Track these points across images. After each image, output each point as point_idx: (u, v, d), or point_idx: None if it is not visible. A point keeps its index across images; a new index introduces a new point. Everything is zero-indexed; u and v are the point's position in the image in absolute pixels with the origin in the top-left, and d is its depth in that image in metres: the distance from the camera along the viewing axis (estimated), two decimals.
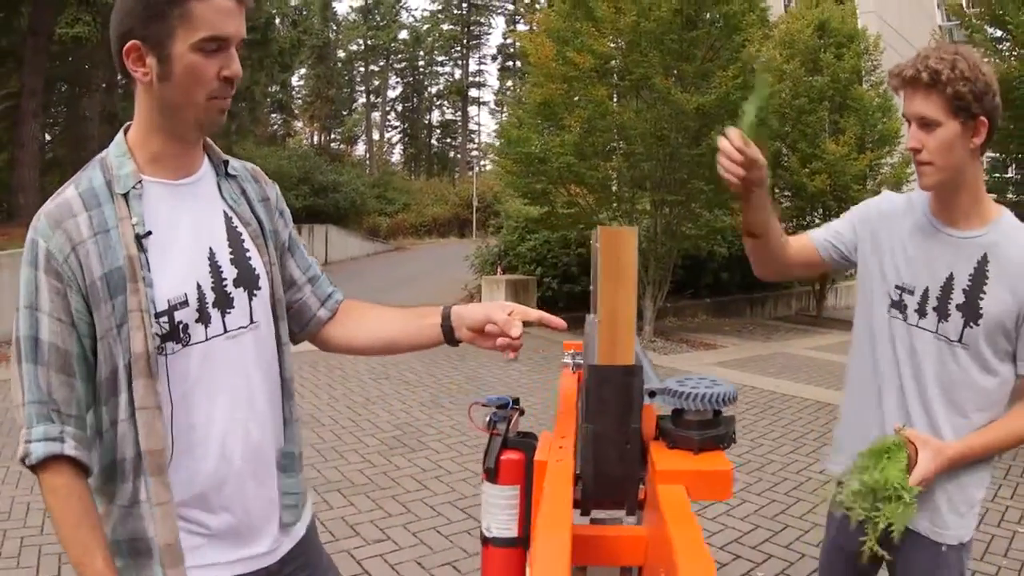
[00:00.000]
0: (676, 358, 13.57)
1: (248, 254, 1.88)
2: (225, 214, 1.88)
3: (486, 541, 1.69)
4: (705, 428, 1.59)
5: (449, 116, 75.83)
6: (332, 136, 64.19)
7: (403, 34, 70.08)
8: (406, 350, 2.10)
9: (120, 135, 1.80)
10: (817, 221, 22.48)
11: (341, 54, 64.22)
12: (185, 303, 1.73)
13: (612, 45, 14.58)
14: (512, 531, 1.65)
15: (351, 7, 64.76)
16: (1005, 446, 2.41)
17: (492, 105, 76.69)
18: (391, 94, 71.88)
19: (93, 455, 1.70)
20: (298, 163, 34.29)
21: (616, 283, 1.53)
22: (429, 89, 74.07)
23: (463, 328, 1.96)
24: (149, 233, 1.70)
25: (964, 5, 13.23)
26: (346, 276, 23.92)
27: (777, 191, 20.73)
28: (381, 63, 69.03)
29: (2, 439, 7.41)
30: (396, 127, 74.06)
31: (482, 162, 67.39)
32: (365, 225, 38.08)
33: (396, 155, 73.24)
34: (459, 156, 74.43)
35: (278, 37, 31.03)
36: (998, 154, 12.72)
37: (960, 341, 2.35)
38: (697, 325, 17.82)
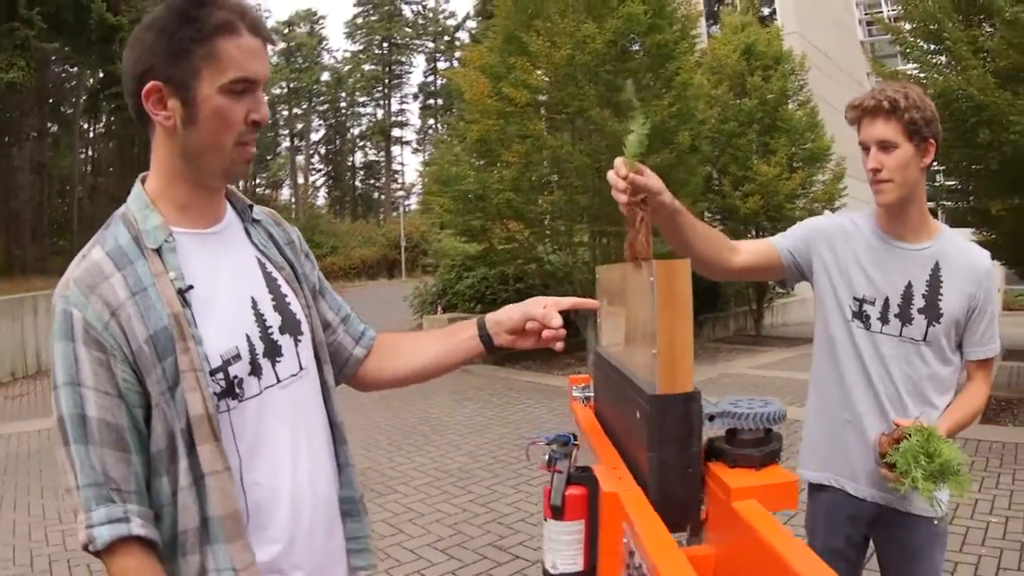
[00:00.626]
0: None
1: (287, 299, 1.81)
2: (258, 260, 1.81)
3: None
4: (762, 445, 1.62)
5: (372, 157, 75.58)
6: (257, 181, 63.68)
7: (325, 76, 69.89)
8: (445, 371, 2.09)
9: (137, 186, 1.70)
10: None
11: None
12: (238, 356, 1.65)
13: (546, 79, 14.69)
14: (578, 565, 1.65)
15: (273, 50, 64.85)
16: (968, 423, 2.73)
17: (415, 144, 76.67)
18: (314, 137, 71.56)
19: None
20: None
21: (673, 314, 1.55)
22: (352, 130, 73.91)
23: (502, 334, 1.98)
24: (191, 287, 1.61)
25: (887, 19, 13.59)
26: None
27: (709, 215, 20.95)
28: (304, 106, 68.69)
29: None
30: (320, 170, 73.68)
31: (407, 202, 67.41)
32: None
33: (321, 198, 72.80)
34: (383, 196, 74.13)
35: None
36: (936, 163, 13.04)
37: (925, 340, 2.69)
38: None
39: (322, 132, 72.08)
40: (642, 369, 1.69)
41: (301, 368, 1.79)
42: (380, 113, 72.81)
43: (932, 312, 2.67)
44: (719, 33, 24.49)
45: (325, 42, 70.42)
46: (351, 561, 1.89)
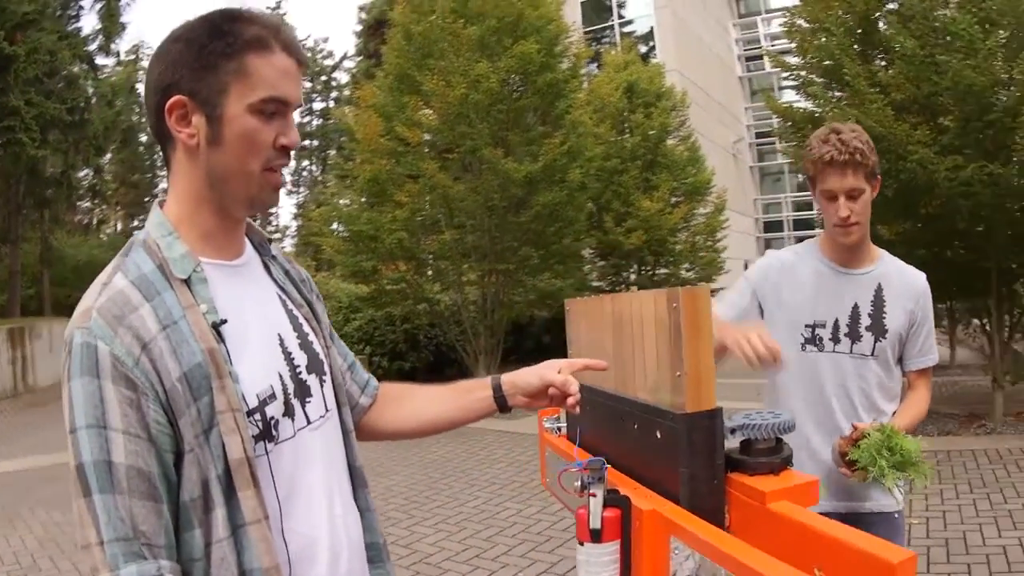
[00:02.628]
0: (523, 423, 13.63)
1: (310, 338, 1.72)
2: (279, 297, 1.72)
3: None
4: (775, 453, 1.74)
5: None
6: (135, 223, 61.39)
7: None
8: (452, 427, 2.04)
9: (157, 212, 1.59)
10: (633, 277, 23.20)
11: (143, 137, 61.34)
12: (273, 396, 1.55)
13: (434, 119, 14.78)
14: None
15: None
16: (915, 425, 2.95)
17: (289, 186, 75.39)
18: None
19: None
20: (111, 253, 30.74)
21: (697, 338, 1.66)
22: None
23: (518, 396, 1.93)
24: (224, 321, 1.50)
25: (767, 53, 14.19)
26: None
27: (591, 251, 21.15)
28: None
29: None
30: None
31: (282, 244, 66.14)
32: None
33: None
34: None
35: (95, 118, 28.77)
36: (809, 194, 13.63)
37: (873, 354, 2.96)
38: None
39: None
40: (661, 392, 1.78)
41: (327, 410, 1.73)
42: None
43: (878, 329, 2.94)
44: (600, 72, 24.87)
45: None
46: None
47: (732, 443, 1.78)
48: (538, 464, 8.11)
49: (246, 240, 1.74)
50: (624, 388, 2.01)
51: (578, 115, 15.76)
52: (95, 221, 46.30)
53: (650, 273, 23.39)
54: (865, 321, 2.95)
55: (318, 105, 70.90)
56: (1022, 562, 5.60)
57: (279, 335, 1.65)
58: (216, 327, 1.48)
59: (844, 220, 2.84)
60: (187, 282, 1.50)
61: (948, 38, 9.92)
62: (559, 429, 2.54)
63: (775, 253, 3.22)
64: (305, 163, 72.15)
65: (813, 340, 2.99)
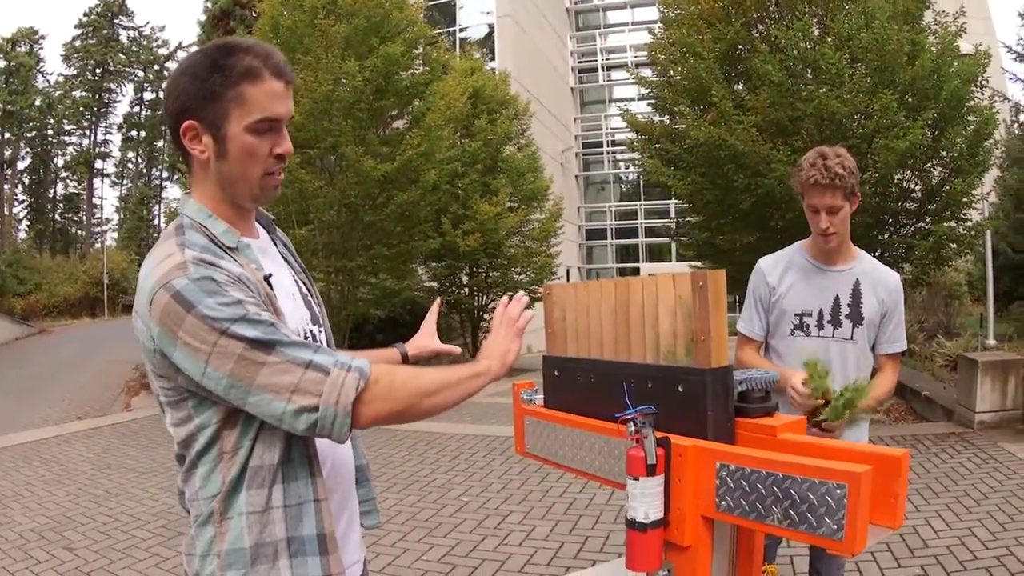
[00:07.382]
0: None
1: (309, 298, 2.14)
2: (287, 265, 2.15)
3: (644, 527, 2.01)
4: (767, 401, 2.19)
5: (73, 189, 70.47)
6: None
7: (38, 100, 63.71)
8: None
9: (193, 201, 1.92)
10: (466, 279, 23.67)
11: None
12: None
13: (297, 115, 14.73)
14: (661, 512, 2.03)
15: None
16: (882, 399, 3.62)
17: (114, 177, 72.50)
18: (20, 165, 65.60)
19: (268, 455, 1.81)
20: None
21: (717, 309, 2.11)
22: (56, 160, 68.26)
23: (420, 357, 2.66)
24: (271, 275, 1.91)
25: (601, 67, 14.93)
26: (6, 363, 22.60)
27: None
28: (16, 131, 63.13)
29: None
30: (22, 201, 67.45)
31: (106, 238, 63.67)
32: (2, 307, 35.18)
33: (23, 232, 66.84)
34: (82, 232, 69.48)
35: None
36: (687, 204, 14.31)
37: (852, 339, 3.57)
38: None
39: (28, 160, 66.46)
40: (679, 355, 2.19)
41: None
42: (85, 143, 68.16)
43: (856, 317, 3.54)
44: (447, 76, 25.19)
45: (42, 64, 64.87)
46: (363, 521, 2.24)
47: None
48: (403, 456, 8.45)
49: (256, 224, 2.12)
50: (629, 355, 2.39)
51: (435, 119, 16.15)
52: None
53: (484, 275, 23.91)
54: (845, 310, 3.55)
55: (149, 96, 68.77)
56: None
57: (293, 294, 2.08)
58: (267, 279, 1.89)
59: (824, 231, 3.45)
60: (236, 248, 1.88)
61: (812, 70, 10.92)
62: (532, 401, 2.83)
63: (765, 259, 3.80)
64: (131, 155, 69.63)
65: (801, 326, 3.60)
